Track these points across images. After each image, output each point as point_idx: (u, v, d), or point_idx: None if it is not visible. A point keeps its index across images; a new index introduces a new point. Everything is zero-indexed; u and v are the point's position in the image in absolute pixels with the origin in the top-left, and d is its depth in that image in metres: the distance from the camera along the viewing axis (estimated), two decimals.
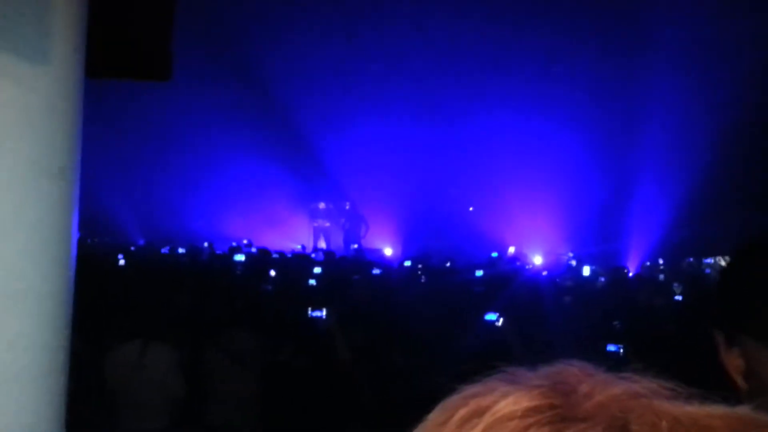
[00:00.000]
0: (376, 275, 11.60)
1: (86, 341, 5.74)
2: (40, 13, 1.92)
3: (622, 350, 6.58)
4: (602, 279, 13.19)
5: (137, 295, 7.18)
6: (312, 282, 9.89)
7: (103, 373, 6.01)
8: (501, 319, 7.07)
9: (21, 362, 1.84)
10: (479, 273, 11.78)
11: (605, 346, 6.61)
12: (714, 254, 15.79)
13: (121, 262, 13.83)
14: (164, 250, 17.49)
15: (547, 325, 7.08)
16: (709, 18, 20.27)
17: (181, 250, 16.98)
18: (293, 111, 22.83)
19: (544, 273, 14.93)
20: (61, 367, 1.92)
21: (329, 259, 14.80)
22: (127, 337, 6.11)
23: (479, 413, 0.65)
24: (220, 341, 6.46)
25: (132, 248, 17.81)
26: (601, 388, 0.65)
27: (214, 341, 6.48)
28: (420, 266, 14.39)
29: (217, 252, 16.49)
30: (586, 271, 14.03)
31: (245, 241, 18.99)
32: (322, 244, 22.10)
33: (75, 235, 2.02)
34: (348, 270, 12.26)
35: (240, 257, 13.46)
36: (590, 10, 21.88)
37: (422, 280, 12.05)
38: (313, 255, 16.90)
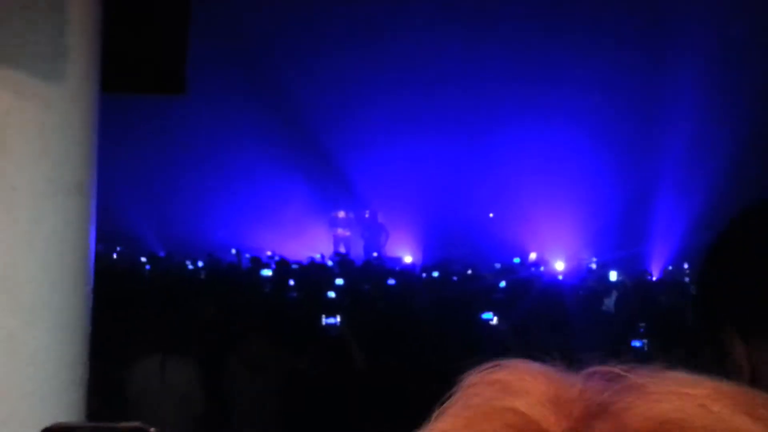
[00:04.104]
0: (392, 284, 11.59)
1: (108, 355, 5.77)
2: (55, 31, 1.95)
3: (645, 346, 6.66)
4: (622, 283, 13.11)
5: (159, 307, 7.21)
6: (331, 293, 9.89)
7: (124, 387, 6.03)
8: (496, 318, 7.11)
9: (41, 376, 1.86)
10: (502, 284, 11.74)
11: (630, 342, 6.70)
12: None
13: (143, 273, 13.90)
14: (187, 261, 17.59)
15: (564, 328, 7.06)
16: (734, 19, 20.15)
17: (200, 263, 17.04)
18: (313, 121, 22.91)
19: (560, 277, 14.87)
20: (79, 380, 1.95)
21: (348, 267, 14.81)
22: (149, 351, 6.12)
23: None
24: (241, 352, 6.47)
25: (153, 260, 17.92)
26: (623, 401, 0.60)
27: (235, 352, 6.50)
28: (439, 274, 14.38)
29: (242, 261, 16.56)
30: (613, 276, 13.95)
31: (268, 253, 18.97)
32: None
33: (93, 250, 2.04)
34: (368, 278, 12.28)
35: (267, 272, 13.32)
36: (610, 16, 21.81)
37: (441, 287, 12.02)
38: (329, 263, 16.91)
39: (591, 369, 0.62)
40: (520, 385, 0.61)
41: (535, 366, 0.64)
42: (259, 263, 14.77)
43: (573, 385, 0.61)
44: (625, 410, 0.57)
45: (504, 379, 0.62)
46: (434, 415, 0.65)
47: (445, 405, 0.65)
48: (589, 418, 0.58)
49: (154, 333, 6.31)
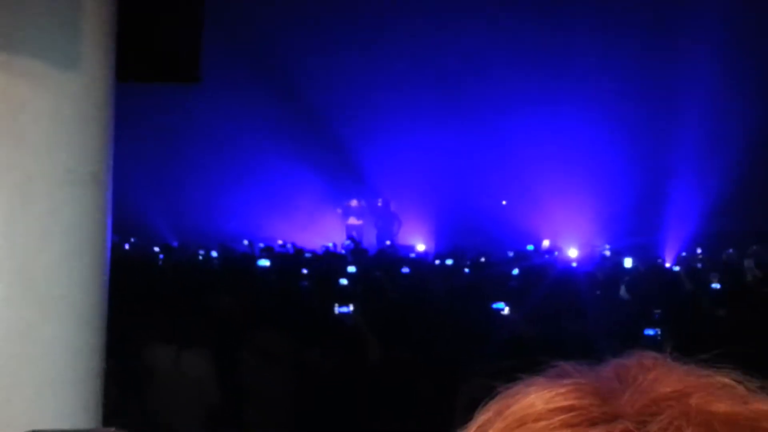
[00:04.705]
0: (406, 272, 11.57)
1: (122, 346, 5.76)
2: (71, 21, 1.94)
3: (659, 335, 6.56)
4: (636, 269, 13.06)
5: (174, 298, 7.20)
6: (343, 281, 9.87)
7: (139, 378, 6.01)
8: (507, 308, 7.07)
9: (59, 365, 1.86)
10: (515, 271, 11.69)
11: (642, 331, 6.61)
12: (752, 245, 15.52)
13: (156, 264, 13.85)
14: (200, 251, 17.60)
15: (581, 316, 7.01)
16: (749, 10, 19.99)
17: (214, 253, 17.04)
18: (325, 110, 22.88)
19: (574, 264, 14.83)
20: (96, 369, 1.94)
21: (361, 256, 14.81)
22: (164, 342, 6.10)
23: (498, 414, 0.62)
24: (255, 342, 6.45)
25: (167, 250, 17.95)
26: (651, 385, 0.60)
27: (249, 342, 6.48)
28: (452, 262, 14.36)
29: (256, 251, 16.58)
30: (627, 262, 13.90)
31: (280, 242, 19.02)
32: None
33: (109, 239, 2.03)
34: (381, 266, 12.26)
35: (264, 262, 13.20)
36: (624, 3, 21.67)
37: (455, 276, 11.99)
38: (343, 251, 16.92)
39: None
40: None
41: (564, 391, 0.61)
42: (271, 253, 14.78)
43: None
44: None
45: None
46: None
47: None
48: None
49: (167, 324, 6.30)
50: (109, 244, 2.03)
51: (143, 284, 7.97)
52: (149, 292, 7.64)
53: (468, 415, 0.66)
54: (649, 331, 6.71)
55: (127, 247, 18.60)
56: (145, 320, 6.51)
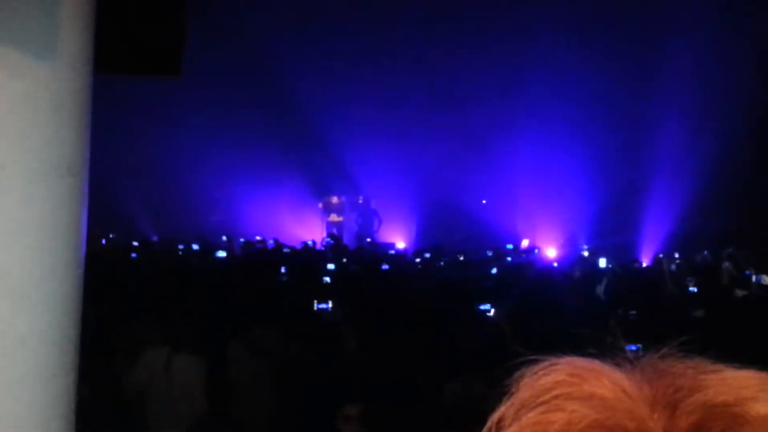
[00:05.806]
0: (386, 270, 11.57)
1: (110, 346, 5.69)
2: (48, 8, 1.90)
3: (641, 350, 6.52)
4: (612, 270, 13.12)
5: (161, 298, 7.09)
6: (326, 278, 9.85)
7: (127, 379, 5.91)
8: (493, 309, 7.07)
9: (30, 361, 1.82)
10: (494, 270, 11.72)
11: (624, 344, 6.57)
12: (728, 247, 15.64)
13: (129, 262, 13.66)
14: (180, 246, 17.46)
15: (554, 317, 7.02)
16: (725, 14, 20.19)
17: (195, 247, 16.91)
18: (306, 106, 22.82)
19: (555, 264, 14.88)
20: (70, 365, 1.90)
21: (341, 253, 14.78)
22: (153, 344, 5.99)
23: None
24: (245, 338, 6.37)
25: (144, 245, 17.79)
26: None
27: (238, 339, 6.40)
28: (430, 259, 14.40)
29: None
30: (602, 263, 13.96)
31: (258, 238, 18.95)
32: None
33: (84, 233, 1.99)
34: (360, 263, 12.25)
35: (222, 253, 13.05)
36: (597, 15, 21.81)
37: (432, 274, 12.00)
38: (323, 247, 16.89)
39: (644, 364, 0.61)
40: (593, 391, 0.58)
41: (587, 364, 0.61)
42: (251, 248, 14.73)
43: (639, 384, 0.59)
44: (727, 409, 0.56)
45: (568, 382, 0.59)
46: (494, 424, 0.61)
47: (504, 411, 0.61)
48: (696, 423, 0.55)
49: (156, 326, 6.21)
50: (84, 237, 2.00)
51: (113, 279, 7.87)
52: (118, 287, 7.54)
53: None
54: (632, 347, 6.68)
55: (104, 242, 18.42)
56: (132, 323, 6.41)
